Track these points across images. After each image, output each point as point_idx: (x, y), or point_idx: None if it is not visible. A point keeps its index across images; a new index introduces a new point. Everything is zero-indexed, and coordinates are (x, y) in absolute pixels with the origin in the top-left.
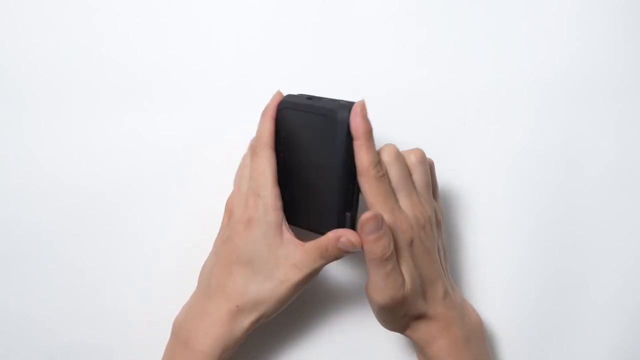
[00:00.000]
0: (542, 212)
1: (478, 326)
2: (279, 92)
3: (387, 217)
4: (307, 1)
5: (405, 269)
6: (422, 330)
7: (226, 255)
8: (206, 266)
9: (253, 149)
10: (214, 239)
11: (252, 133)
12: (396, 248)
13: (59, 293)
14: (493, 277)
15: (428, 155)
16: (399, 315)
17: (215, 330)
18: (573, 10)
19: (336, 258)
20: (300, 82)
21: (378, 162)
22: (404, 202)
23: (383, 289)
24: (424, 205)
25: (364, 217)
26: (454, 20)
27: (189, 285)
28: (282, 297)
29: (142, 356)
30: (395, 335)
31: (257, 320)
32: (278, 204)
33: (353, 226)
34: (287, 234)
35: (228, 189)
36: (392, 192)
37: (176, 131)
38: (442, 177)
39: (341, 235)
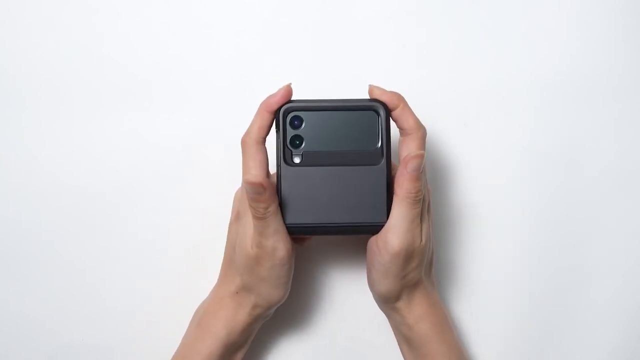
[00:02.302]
0: (542, 212)
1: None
2: (287, 87)
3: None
4: (307, 1)
5: (424, 227)
6: (415, 302)
7: (228, 244)
8: None
9: (241, 142)
10: (214, 239)
11: None
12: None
13: (59, 293)
14: (493, 277)
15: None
16: (401, 274)
17: (221, 312)
18: (573, 10)
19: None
20: (300, 82)
21: None
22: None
23: (405, 232)
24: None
25: (411, 154)
26: (454, 20)
27: (189, 284)
28: (271, 274)
29: (142, 356)
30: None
31: (256, 303)
32: None
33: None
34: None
35: (228, 189)
36: None
37: (176, 131)
38: (443, 177)
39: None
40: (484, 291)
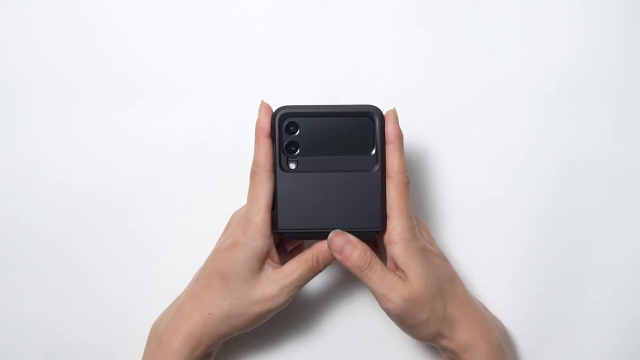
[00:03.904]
0: (542, 212)
1: (506, 333)
2: (264, 105)
3: (407, 222)
4: (307, 1)
5: (414, 271)
6: (459, 336)
7: (210, 264)
8: (199, 269)
9: (250, 173)
10: (215, 239)
11: (252, 132)
12: (409, 251)
13: (59, 293)
14: (493, 277)
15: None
16: (421, 319)
17: (185, 329)
18: (573, 11)
19: (327, 264)
20: (300, 82)
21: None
22: None
23: (387, 294)
24: None
25: (331, 235)
26: (454, 20)
27: None
28: (254, 316)
29: (142, 356)
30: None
31: (228, 332)
32: (267, 231)
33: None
34: (271, 262)
35: (228, 189)
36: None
37: (176, 131)
38: (442, 177)
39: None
40: (484, 291)
